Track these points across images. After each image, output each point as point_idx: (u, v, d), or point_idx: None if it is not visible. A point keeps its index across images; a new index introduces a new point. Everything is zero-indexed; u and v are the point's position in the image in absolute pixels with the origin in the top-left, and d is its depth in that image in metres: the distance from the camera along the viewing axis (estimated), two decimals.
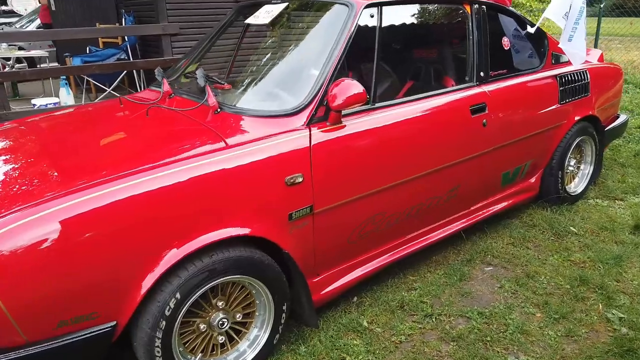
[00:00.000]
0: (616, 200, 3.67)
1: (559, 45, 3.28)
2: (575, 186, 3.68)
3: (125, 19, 5.96)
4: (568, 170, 3.60)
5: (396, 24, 2.68)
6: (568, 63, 3.44)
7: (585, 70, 3.55)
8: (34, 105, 5.25)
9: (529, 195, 3.40)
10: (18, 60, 9.13)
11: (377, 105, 2.43)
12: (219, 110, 2.29)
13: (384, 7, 2.51)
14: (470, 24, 2.88)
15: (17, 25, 11.35)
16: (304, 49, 2.49)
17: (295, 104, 2.21)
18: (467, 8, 2.89)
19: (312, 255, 2.26)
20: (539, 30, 3.26)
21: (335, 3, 2.51)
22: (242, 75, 2.51)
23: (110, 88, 6.08)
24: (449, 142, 2.64)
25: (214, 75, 2.68)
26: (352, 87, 2.15)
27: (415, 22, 2.99)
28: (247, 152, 1.98)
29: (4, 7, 14.08)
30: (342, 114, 2.29)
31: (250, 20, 2.85)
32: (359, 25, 2.40)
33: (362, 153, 2.29)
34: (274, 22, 2.76)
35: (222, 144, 2.01)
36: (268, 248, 2.07)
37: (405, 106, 2.51)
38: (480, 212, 3.07)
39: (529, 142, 3.16)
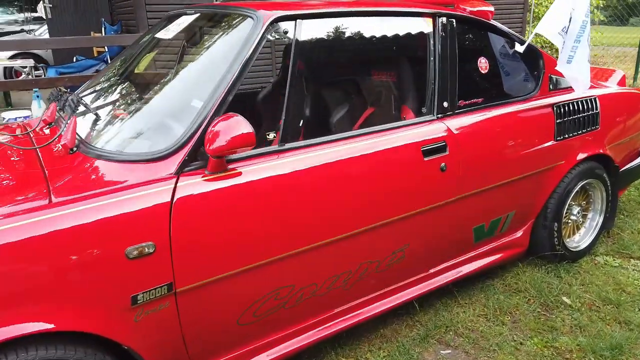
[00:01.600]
0: (631, 259, 2.96)
1: (556, 68, 2.63)
2: (580, 239, 3.00)
3: (105, 29, 5.64)
4: (570, 221, 2.93)
5: (328, 42, 2.12)
6: (571, 89, 2.78)
7: (594, 98, 2.87)
8: (3, 118, 4.96)
9: (515, 252, 2.75)
10: (36, 67, 9.06)
11: (287, 146, 1.89)
12: (74, 149, 1.81)
13: (304, 21, 1.97)
14: (431, 42, 2.29)
15: (38, 32, 11.38)
16: (196, 73, 1.97)
17: (165, 145, 1.70)
18: (430, 22, 2.30)
19: (182, 344, 1.72)
20: (530, 48, 2.63)
21: (241, 15, 1.99)
22: (130, 104, 2.02)
23: None
24: (387, 193, 2.06)
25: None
26: (239, 126, 1.63)
27: (357, 40, 2.42)
28: (69, 214, 1.47)
29: (34, 14, 14.25)
30: (236, 157, 1.78)
31: (160, 34, 2.37)
32: (268, 43, 1.88)
33: (258, 209, 1.75)
34: (184, 37, 2.27)
35: (44, 202, 1.52)
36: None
37: (327, 148, 1.95)
38: (443, 276, 2.45)
39: (512, 188, 2.53)
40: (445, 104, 2.30)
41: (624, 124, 3.06)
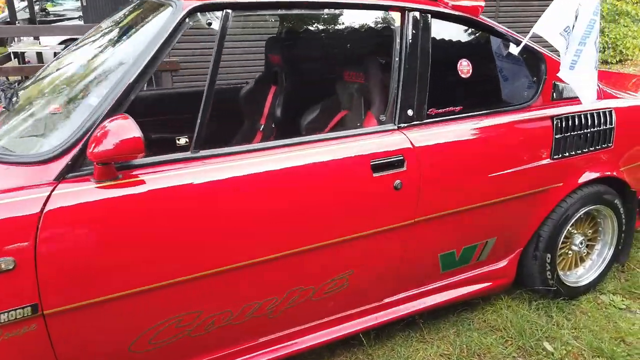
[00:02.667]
0: None
1: (557, 74, 2.24)
2: (584, 274, 2.59)
3: None
4: (570, 252, 2.54)
5: (265, 37, 1.88)
6: (578, 100, 2.38)
7: (610, 111, 2.46)
8: None
9: (497, 285, 2.39)
10: None
11: (202, 153, 1.66)
12: None
13: (235, 12, 1.73)
14: (397, 40, 1.99)
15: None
16: (105, 67, 1.78)
17: (50, 147, 1.52)
18: (397, 16, 2.00)
19: None
20: (530, 50, 2.27)
21: (165, 3, 1.77)
22: (40, 100, 1.85)
23: None
24: (323, 212, 1.79)
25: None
26: (129, 129, 1.43)
27: (304, 35, 2.14)
28: None
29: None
30: (145, 163, 1.58)
31: (103, 23, 2.20)
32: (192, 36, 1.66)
33: (158, 225, 1.55)
34: (112, 28, 2.09)
35: None
36: None
37: (251, 157, 1.71)
38: (401, 308, 2.15)
39: (492, 212, 2.19)
40: (410, 112, 2.00)
41: None
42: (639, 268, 2.79)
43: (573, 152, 2.33)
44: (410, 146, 1.94)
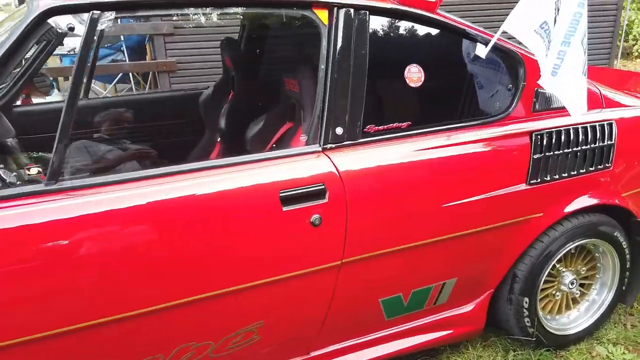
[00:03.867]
0: None
1: (538, 81, 1.83)
2: (577, 319, 2.16)
3: None
4: (558, 293, 2.11)
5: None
6: (565, 111, 1.95)
7: (609, 123, 2.01)
8: None
9: (463, 333, 2.00)
10: None
11: (64, 185, 1.38)
12: None
13: (106, 14, 1.43)
14: (324, 44, 1.63)
15: None
16: None
17: None
18: (323, 16, 1.64)
19: None
20: (506, 53, 1.87)
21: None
22: None
23: (107, 91, 5.66)
24: (217, 255, 1.48)
25: None
26: None
27: (255, 37, 1.82)
28: None
29: None
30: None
31: None
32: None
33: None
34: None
35: None
36: None
37: (126, 189, 1.42)
38: None
39: (448, 248, 1.81)
40: (339, 131, 1.65)
41: None
42: None
43: (556, 176, 1.91)
44: (335, 172, 1.60)
